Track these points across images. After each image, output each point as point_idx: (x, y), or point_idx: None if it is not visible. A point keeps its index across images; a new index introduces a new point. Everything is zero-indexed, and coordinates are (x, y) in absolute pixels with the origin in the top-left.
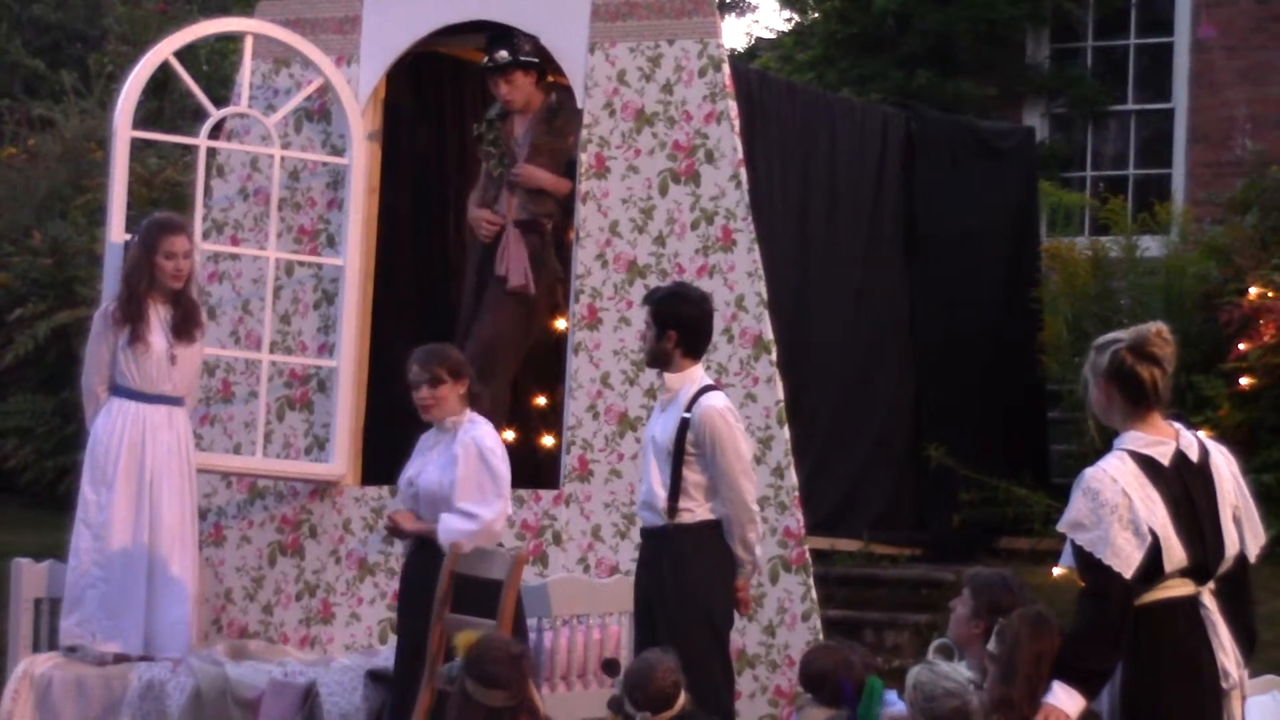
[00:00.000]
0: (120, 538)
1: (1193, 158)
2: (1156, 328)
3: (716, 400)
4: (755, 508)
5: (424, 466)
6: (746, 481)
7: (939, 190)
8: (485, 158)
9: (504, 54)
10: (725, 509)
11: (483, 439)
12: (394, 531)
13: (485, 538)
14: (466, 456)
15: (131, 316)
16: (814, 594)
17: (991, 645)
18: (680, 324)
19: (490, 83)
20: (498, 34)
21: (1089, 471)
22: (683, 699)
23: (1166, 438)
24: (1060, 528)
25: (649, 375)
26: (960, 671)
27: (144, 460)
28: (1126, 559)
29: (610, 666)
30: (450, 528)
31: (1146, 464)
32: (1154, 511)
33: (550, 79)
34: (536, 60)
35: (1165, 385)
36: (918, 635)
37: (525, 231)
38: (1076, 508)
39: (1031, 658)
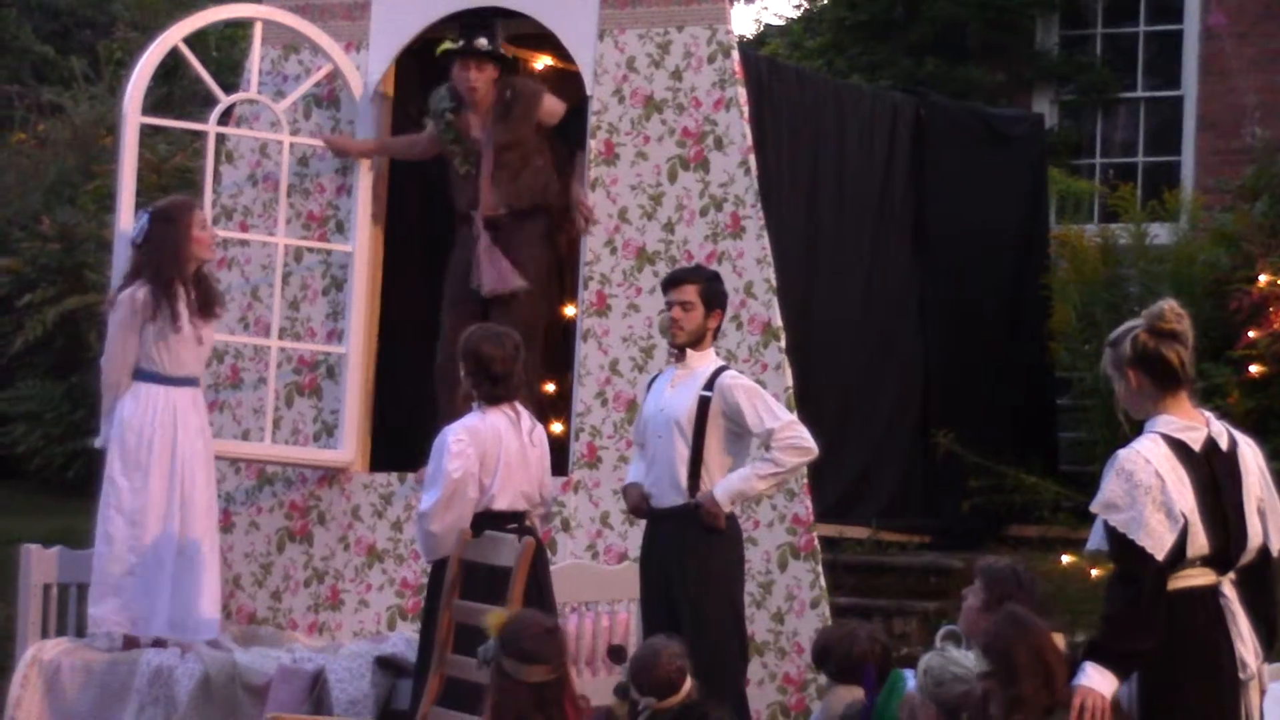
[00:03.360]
0: (155, 523)
1: (1202, 145)
2: (1169, 305)
3: (736, 372)
4: (806, 434)
5: None
6: (790, 416)
7: (948, 177)
8: (450, 156)
9: (483, 41)
10: (774, 434)
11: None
12: None
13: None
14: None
15: (169, 303)
16: (823, 581)
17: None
18: (725, 308)
19: (459, 66)
20: (473, 22)
21: (1123, 453)
22: (688, 684)
23: (1198, 423)
24: (1093, 508)
25: (657, 361)
26: (970, 658)
27: (175, 445)
28: (1159, 540)
29: (616, 654)
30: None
31: (1178, 447)
32: (1184, 496)
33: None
34: (512, 56)
35: (1190, 361)
36: (926, 622)
37: (525, 219)
38: (1110, 488)
39: (1028, 650)
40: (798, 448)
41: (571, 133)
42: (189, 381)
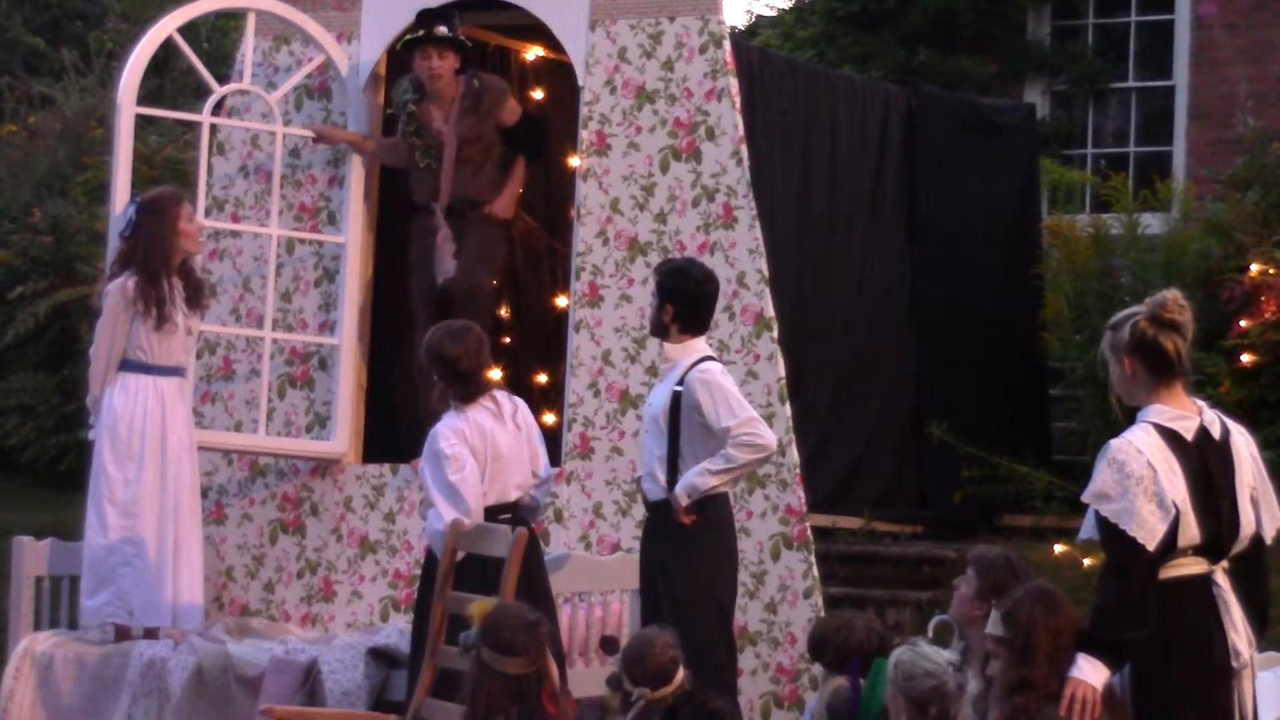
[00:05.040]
0: (148, 514)
1: (1194, 135)
2: (1172, 295)
3: (709, 366)
4: (763, 432)
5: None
6: (750, 413)
7: (940, 167)
8: (412, 149)
9: (444, 29)
10: (729, 431)
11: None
12: None
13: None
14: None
15: (158, 295)
16: (815, 571)
17: (992, 628)
18: (678, 299)
19: (420, 56)
20: (431, 11)
21: (1114, 443)
22: (681, 675)
23: (1190, 413)
24: (1085, 498)
25: (650, 352)
26: (941, 654)
27: (165, 435)
28: (1150, 531)
29: (609, 645)
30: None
31: (1170, 437)
32: (1176, 485)
33: (465, 68)
34: (470, 44)
35: (1187, 353)
36: (919, 612)
37: (483, 209)
38: (1102, 478)
39: (1050, 634)
40: (752, 445)
41: (521, 141)
42: (176, 371)
